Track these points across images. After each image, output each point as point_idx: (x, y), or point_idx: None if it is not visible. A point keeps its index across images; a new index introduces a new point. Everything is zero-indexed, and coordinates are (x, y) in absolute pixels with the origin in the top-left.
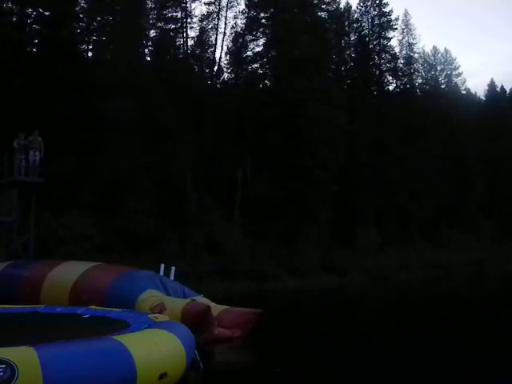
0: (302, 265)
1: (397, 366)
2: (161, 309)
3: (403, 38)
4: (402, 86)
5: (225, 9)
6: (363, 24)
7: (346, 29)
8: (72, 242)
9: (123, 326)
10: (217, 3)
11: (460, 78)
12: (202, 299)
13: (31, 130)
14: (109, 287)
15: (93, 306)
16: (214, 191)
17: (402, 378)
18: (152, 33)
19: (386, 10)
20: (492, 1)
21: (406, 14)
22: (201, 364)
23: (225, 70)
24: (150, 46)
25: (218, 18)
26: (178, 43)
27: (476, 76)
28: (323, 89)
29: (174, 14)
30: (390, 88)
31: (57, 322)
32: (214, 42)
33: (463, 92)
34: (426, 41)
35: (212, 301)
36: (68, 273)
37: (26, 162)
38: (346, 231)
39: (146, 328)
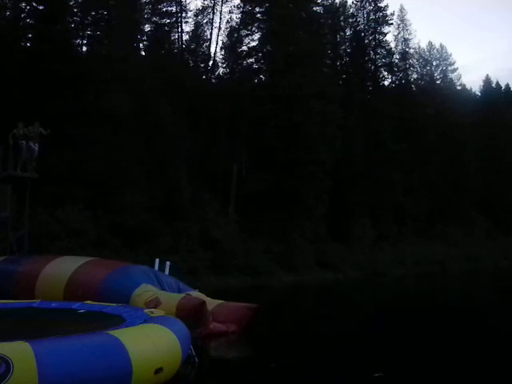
0: (296, 260)
1: (394, 362)
2: (156, 303)
3: (399, 34)
4: (397, 82)
5: (220, 3)
6: (358, 19)
7: (342, 24)
8: (67, 238)
9: (118, 321)
10: None
11: (455, 73)
12: (196, 294)
13: (32, 122)
14: (103, 282)
15: (88, 301)
16: (209, 186)
17: (400, 376)
18: (147, 27)
19: (382, 4)
20: None
21: (401, 9)
22: (196, 359)
23: (220, 64)
24: (144, 40)
25: (213, 13)
26: (172, 38)
27: (471, 72)
28: (318, 84)
29: (169, 8)
30: (386, 83)
31: (52, 317)
32: (209, 36)
33: (458, 88)
34: (421, 36)
35: (207, 295)
36: (63, 268)
37: (27, 150)
38: (341, 226)
39: (142, 323)
